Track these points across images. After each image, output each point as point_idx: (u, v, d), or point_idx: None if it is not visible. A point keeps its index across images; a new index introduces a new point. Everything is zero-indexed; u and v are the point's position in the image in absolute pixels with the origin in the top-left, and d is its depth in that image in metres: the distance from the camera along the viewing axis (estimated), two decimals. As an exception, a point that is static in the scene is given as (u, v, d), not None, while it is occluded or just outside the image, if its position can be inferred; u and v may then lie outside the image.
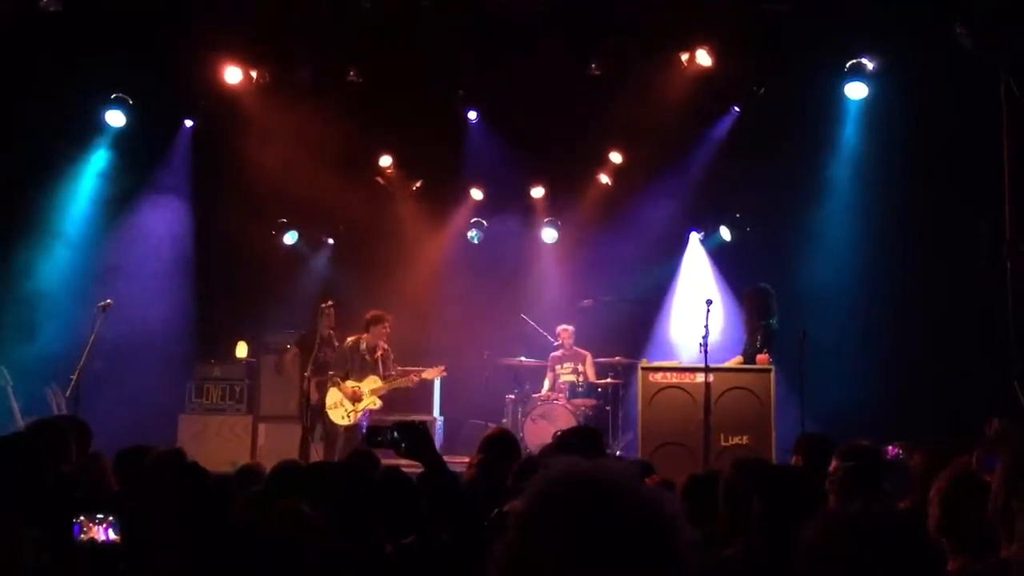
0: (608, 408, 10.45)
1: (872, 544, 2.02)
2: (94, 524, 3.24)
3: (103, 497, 4.00)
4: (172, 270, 11.26)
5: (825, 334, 9.18)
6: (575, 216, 12.20)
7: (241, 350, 11.41)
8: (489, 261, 12.40)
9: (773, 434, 8.49)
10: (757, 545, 3.21)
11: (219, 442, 10.54)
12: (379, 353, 9.83)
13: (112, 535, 3.24)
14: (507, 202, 12.27)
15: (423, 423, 3.62)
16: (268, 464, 5.18)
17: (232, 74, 10.65)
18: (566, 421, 10.13)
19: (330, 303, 10.11)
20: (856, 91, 9.99)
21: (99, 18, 9.73)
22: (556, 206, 12.36)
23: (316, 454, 9.61)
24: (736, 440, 8.51)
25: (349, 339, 9.94)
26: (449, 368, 10.30)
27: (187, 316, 11.37)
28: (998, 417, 5.37)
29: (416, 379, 9.89)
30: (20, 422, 8.60)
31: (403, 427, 3.45)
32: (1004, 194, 8.63)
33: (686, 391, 8.70)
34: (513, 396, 10.74)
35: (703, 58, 10.23)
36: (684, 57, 10.32)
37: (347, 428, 9.66)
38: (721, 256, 11.74)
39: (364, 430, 9.57)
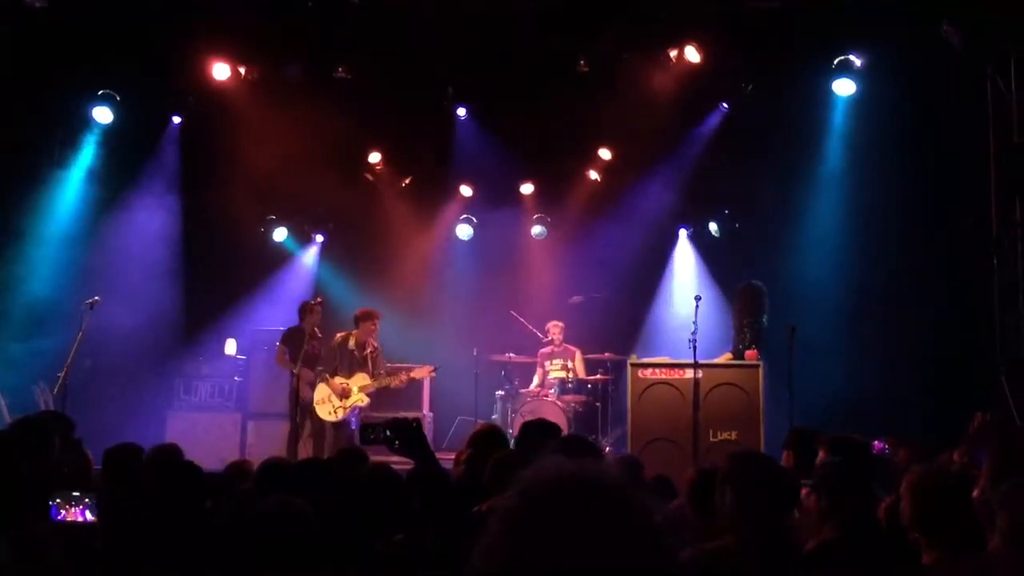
0: (598, 404, 10.46)
1: None
2: (72, 505, 3.25)
3: (84, 483, 4.00)
4: (160, 267, 11.22)
5: (813, 330, 9.21)
6: (564, 212, 12.21)
7: (230, 347, 11.39)
8: (478, 257, 12.42)
9: (762, 429, 8.52)
10: (744, 538, 3.22)
11: (208, 439, 10.50)
12: (368, 350, 9.83)
13: (89, 516, 3.26)
14: (497, 199, 12.26)
15: (417, 420, 3.62)
16: (257, 462, 5.17)
17: (220, 70, 10.62)
18: (555, 417, 10.13)
19: (319, 299, 10.11)
20: (844, 88, 10.03)
21: (86, 14, 9.69)
22: (545, 202, 12.37)
23: (305, 451, 9.61)
24: (725, 436, 8.54)
25: (338, 335, 9.93)
26: (439, 365, 10.29)
27: (176, 313, 11.34)
28: (982, 412, 5.39)
29: (405, 378, 9.89)
30: (7, 420, 8.56)
31: (397, 424, 3.46)
32: (990, 190, 8.68)
33: (675, 387, 8.73)
34: (503, 392, 10.75)
35: (691, 55, 10.24)
36: (673, 54, 10.33)
37: (336, 425, 9.66)
38: (710, 252, 11.77)
39: (353, 427, 9.60)
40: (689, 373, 8.54)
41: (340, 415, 9.63)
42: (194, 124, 11.21)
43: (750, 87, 10.53)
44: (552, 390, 10.57)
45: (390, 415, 8.29)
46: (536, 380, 10.96)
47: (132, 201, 11.20)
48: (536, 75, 10.47)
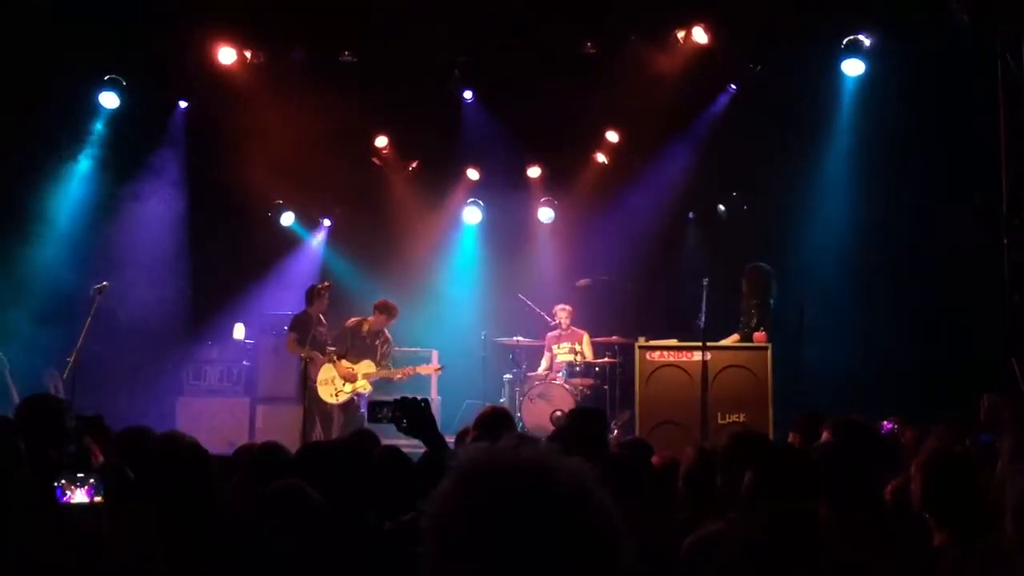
0: (605, 387, 10.46)
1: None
2: (76, 486, 3.26)
3: (87, 464, 4.02)
4: (168, 252, 11.24)
5: (822, 311, 9.19)
6: (572, 195, 12.19)
7: (239, 332, 11.42)
8: (486, 241, 12.41)
9: (770, 412, 8.51)
10: (750, 519, 3.22)
11: (217, 424, 10.55)
12: (379, 340, 9.91)
13: (94, 496, 3.28)
14: (504, 182, 12.24)
15: (425, 400, 3.62)
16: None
17: (226, 55, 10.61)
18: (564, 401, 10.15)
19: (326, 284, 10.13)
20: (853, 68, 9.96)
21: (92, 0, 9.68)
22: (553, 186, 12.34)
23: (319, 434, 9.65)
24: (733, 418, 8.53)
25: (353, 320, 10.00)
26: (446, 348, 10.31)
27: (184, 298, 11.36)
28: (989, 394, 5.38)
29: (410, 372, 9.97)
30: (16, 403, 8.60)
31: (405, 403, 3.45)
32: (1000, 170, 8.62)
33: (683, 369, 8.72)
34: (511, 376, 10.75)
35: (699, 36, 10.18)
36: (680, 35, 10.28)
37: (343, 407, 9.72)
38: (718, 234, 11.73)
39: (362, 409, 9.65)
40: (697, 355, 8.52)
41: (342, 398, 9.69)
42: (200, 109, 11.20)
43: (758, 68, 10.46)
44: (560, 373, 10.56)
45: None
46: (544, 363, 10.95)
47: (139, 186, 11.20)
48: (543, 57, 10.42)
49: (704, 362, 8.41)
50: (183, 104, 11.29)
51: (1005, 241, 8.54)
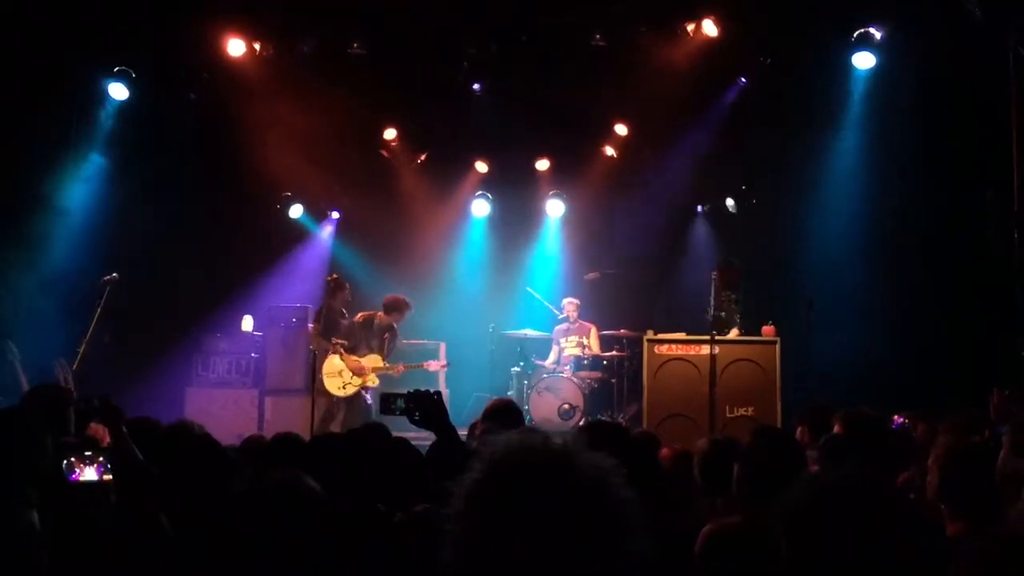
0: (613, 380, 10.46)
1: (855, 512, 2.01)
2: (84, 464, 3.28)
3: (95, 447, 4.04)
4: (177, 243, 11.25)
5: (832, 305, 9.17)
6: (580, 189, 12.17)
7: (247, 324, 11.45)
8: (494, 234, 12.41)
9: (779, 405, 8.52)
10: (744, 512, 3.22)
11: (225, 415, 10.58)
12: (387, 335, 9.94)
13: (104, 474, 3.29)
14: (512, 175, 12.24)
15: (437, 392, 3.62)
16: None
17: (235, 47, 10.60)
18: (572, 394, 10.16)
19: (335, 276, 10.15)
20: (864, 61, 9.91)
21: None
22: (561, 179, 12.33)
23: (338, 424, 9.67)
24: (741, 411, 8.54)
25: (364, 314, 10.01)
26: (454, 341, 10.31)
27: (193, 289, 11.38)
28: (1000, 388, 5.36)
29: (402, 370, 10.00)
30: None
31: (417, 396, 3.45)
32: (1012, 163, 8.57)
33: (692, 363, 8.72)
34: (518, 369, 10.75)
35: (709, 28, 10.14)
36: (690, 27, 10.24)
37: (348, 400, 9.74)
38: (726, 228, 11.71)
39: (368, 402, 9.67)
40: (705, 349, 8.52)
41: (349, 391, 9.72)
42: (209, 100, 11.19)
43: (768, 61, 10.42)
44: (568, 366, 10.57)
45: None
46: (552, 356, 10.96)
47: (147, 178, 11.21)
48: (552, 50, 10.40)
49: (712, 355, 8.40)
50: (192, 96, 11.29)
51: (1016, 235, 8.50)
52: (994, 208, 8.83)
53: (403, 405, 3.43)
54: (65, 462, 3.26)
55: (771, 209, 11.10)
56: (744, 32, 10.17)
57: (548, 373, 10.52)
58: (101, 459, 3.31)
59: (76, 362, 8.41)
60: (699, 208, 12.13)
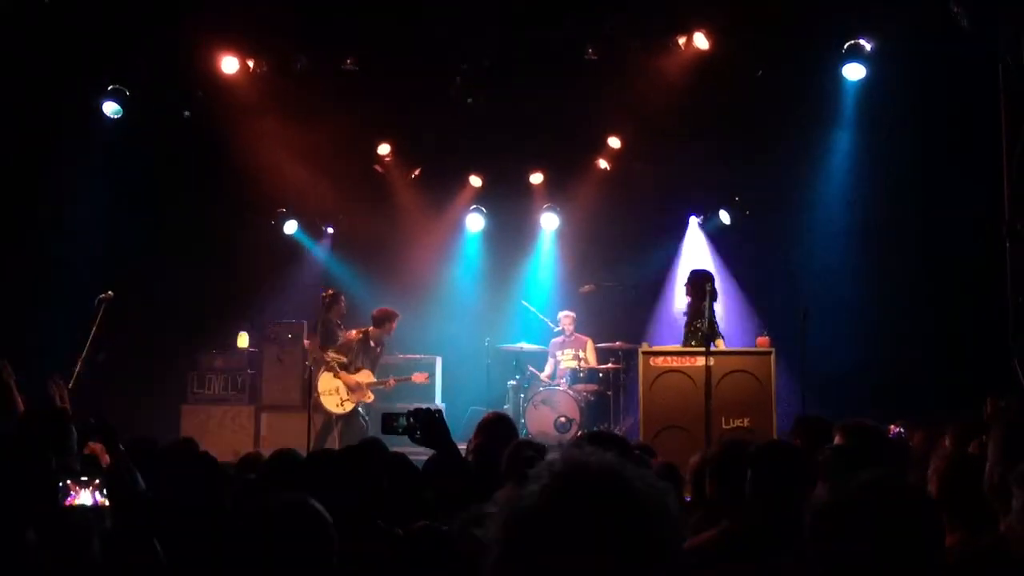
0: (609, 393, 10.47)
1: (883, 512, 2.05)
2: (80, 487, 3.26)
3: (94, 468, 4.03)
4: (172, 260, 11.25)
5: (825, 316, 9.19)
6: (575, 201, 12.20)
7: (242, 340, 11.44)
8: (489, 248, 12.43)
9: (774, 416, 8.52)
10: (749, 522, 3.23)
11: (222, 432, 10.57)
12: (379, 350, 10.01)
13: (99, 498, 3.27)
14: (506, 188, 12.27)
15: (439, 410, 3.63)
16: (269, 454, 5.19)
17: (229, 64, 10.62)
18: (568, 407, 10.17)
19: (330, 291, 10.17)
20: (854, 72, 9.97)
21: (94, 8, 9.69)
22: (555, 192, 12.36)
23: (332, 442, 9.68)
24: (737, 423, 8.53)
25: (357, 332, 10.06)
26: (450, 355, 10.33)
27: (187, 306, 11.37)
28: (993, 396, 5.38)
29: (394, 383, 10.08)
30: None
31: (419, 414, 3.45)
32: (1002, 173, 8.62)
33: (687, 375, 8.72)
34: (514, 382, 10.76)
35: (700, 41, 10.19)
36: (681, 41, 10.29)
37: (345, 417, 9.76)
38: (721, 240, 11.74)
39: (364, 419, 9.69)
40: (701, 361, 8.52)
41: (347, 407, 9.74)
42: (204, 117, 11.21)
43: (760, 73, 10.47)
44: (564, 379, 10.58)
45: (406, 406, 8.33)
46: (548, 370, 10.96)
47: (142, 195, 11.22)
48: (544, 64, 10.44)
49: (708, 367, 8.40)
50: (186, 113, 11.31)
51: (1007, 244, 8.54)
52: (985, 217, 8.89)
53: (405, 423, 3.44)
54: (61, 485, 3.25)
55: (765, 220, 11.14)
56: (735, 45, 10.22)
57: (544, 386, 10.53)
58: (97, 481, 3.29)
59: (72, 380, 8.39)
60: (692, 219, 12.15)
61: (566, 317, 10.96)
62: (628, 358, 10.32)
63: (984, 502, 2.93)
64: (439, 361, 11.33)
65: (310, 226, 12.40)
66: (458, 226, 12.48)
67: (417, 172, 12.27)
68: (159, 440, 5.54)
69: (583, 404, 10.28)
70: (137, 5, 9.71)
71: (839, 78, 10.09)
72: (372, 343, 10.06)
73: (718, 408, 8.38)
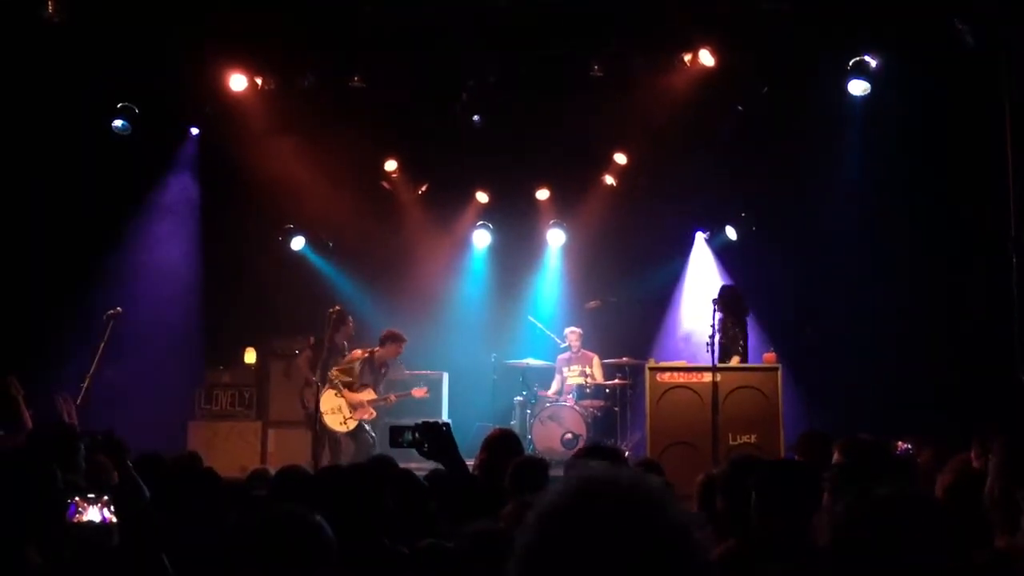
0: (616, 409, 10.46)
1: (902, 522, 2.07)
2: (89, 504, 3.27)
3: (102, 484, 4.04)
4: (180, 276, 11.29)
5: (831, 331, 9.18)
6: (581, 217, 12.22)
7: (250, 356, 11.46)
8: (495, 264, 12.45)
9: (781, 432, 8.50)
10: (754, 540, 3.23)
11: (229, 448, 10.58)
12: (383, 370, 10.06)
13: (107, 515, 3.27)
14: (513, 205, 12.30)
15: (447, 424, 3.62)
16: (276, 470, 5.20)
17: (237, 81, 10.69)
18: (574, 422, 10.16)
19: (336, 308, 10.19)
20: (859, 88, 9.98)
21: (103, 27, 9.76)
22: (562, 208, 12.39)
23: (327, 459, 9.67)
24: (745, 439, 8.52)
25: (363, 351, 10.10)
26: (456, 371, 10.35)
27: (196, 322, 11.40)
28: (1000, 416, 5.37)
29: (394, 399, 10.12)
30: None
31: (426, 428, 3.45)
32: (1008, 189, 8.62)
33: (694, 391, 8.71)
34: (521, 398, 10.76)
35: (706, 58, 10.22)
36: (687, 57, 10.32)
37: (352, 435, 9.78)
38: (727, 255, 11.75)
39: (372, 436, 9.70)
40: (707, 376, 8.51)
41: (350, 426, 9.77)
42: (212, 134, 11.28)
43: (765, 89, 10.50)
44: (570, 395, 10.57)
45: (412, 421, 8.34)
46: (554, 386, 10.96)
47: (151, 212, 11.28)
48: (550, 80, 10.49)
49: (715, 383, 8.40)
50: (195, 131, 11.38)
51: (1014, 259, 8.53)
52: (990, 233, 8.88)
53: (411, 437, 3.44)
54: (70, 502, 3.25)
55: (771, 236, 11.15)
56: (740, 61, 10.25)
57: (551, 402, 10.53)
58: (105, 498, 3.30)
59: (80, 396, 8.42)
60: (699, 235, 12.16)
61: (572, 333, 10.96)
62: (635, 374, 10.32)
63: (983, 517, 2.93)
64: (445, 377, 11.34)
65: (317, 242, 12.43)
66: (465, 242, 12.50)
67: (424, 188, 12.31)
68: (166, 456, 5.55)
69: (590, 420, 10.27)
70: (145, 23, 9.77)
71: (845, 94, 10.11)
72: (378, 364, 10.12)
73: (725, 424, 8.38)
